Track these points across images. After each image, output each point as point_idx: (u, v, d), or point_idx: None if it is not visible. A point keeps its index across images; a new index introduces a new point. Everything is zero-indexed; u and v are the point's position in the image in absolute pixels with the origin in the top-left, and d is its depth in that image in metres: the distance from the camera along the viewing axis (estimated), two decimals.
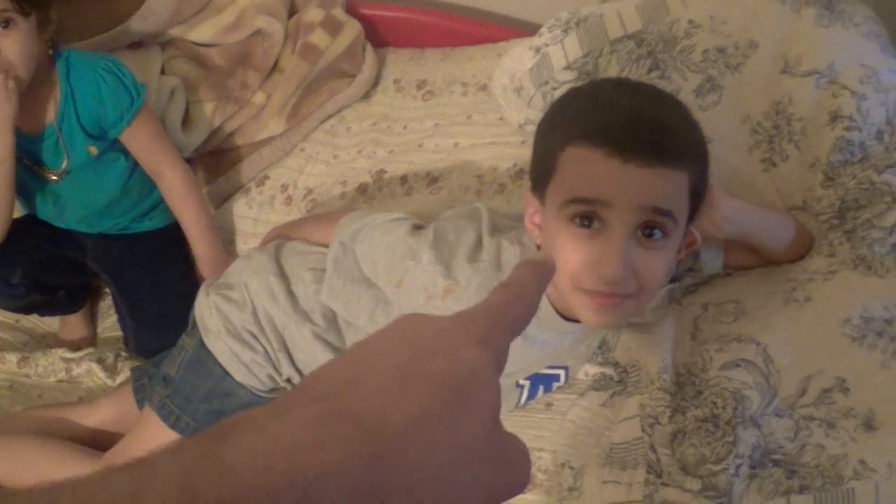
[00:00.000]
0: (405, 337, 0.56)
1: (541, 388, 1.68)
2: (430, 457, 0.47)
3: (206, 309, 1.81)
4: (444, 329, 0.56)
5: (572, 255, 1.34)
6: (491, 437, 0.51)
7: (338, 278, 1.72)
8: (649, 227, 1.31)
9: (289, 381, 1.79)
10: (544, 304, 1.49)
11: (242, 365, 1.75)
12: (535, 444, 1.58)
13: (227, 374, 1.77)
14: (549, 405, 1.65)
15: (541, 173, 1.42)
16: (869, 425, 1.29)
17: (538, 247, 1.49)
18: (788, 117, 1.71)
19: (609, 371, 1.61)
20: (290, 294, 1.77)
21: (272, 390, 1.79)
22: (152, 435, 1.80)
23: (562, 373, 1.67)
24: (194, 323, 1.84)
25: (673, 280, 1.68)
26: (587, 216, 1.32)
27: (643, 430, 1.42)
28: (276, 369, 1.77)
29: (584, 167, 1.31)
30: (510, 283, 0.65)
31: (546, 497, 1.50)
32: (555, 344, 1.57)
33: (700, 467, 1.32)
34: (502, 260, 1.54)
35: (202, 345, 1.79)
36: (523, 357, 1.56)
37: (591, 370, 1.66)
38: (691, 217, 1.41)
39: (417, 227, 1.67)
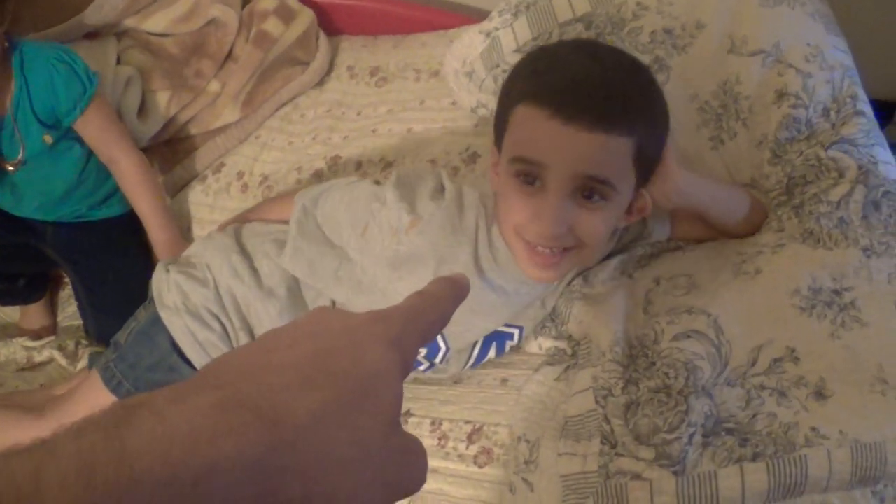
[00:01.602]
0: (314, 331, 0.57)
1: (493, 345, 1.70)
2: (326, 452, 0.48)
3: (165, 284, 1.81)
4: (354, 326, 0.57)
5: (514, 209, 1.43)
6: (389, 436, 0.52)
7: (302, 239, 1.74)
8: (588, 189, 1.37)
9: None
10: (502, 248, 1.56)
11: (197, 343, 1.75)
12: (492, 419, 1.60)
13: (175, 350, 1.76)
14: (504, 381, 1.66)
15: (498, 128, 1.49)
16: (820, 394, 1.32)
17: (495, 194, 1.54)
18: (736, 96, 1.74)
19: (562, 345, 1.64)
20: (254, 271, 1.78)
21: None
22: (93, 396, 1.80)
23: (516, 332, 1.70)
24: (151, 297, 1.84)
25: (622, 250, 1.73)
26: (530, 174, 1.38)
27: (597, 401, 1.43)
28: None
29: (529, 127, 1.37)
30: (426, 291, 0.67)
31: (503, 470, 1.51)
32: (510, 293, 1.61)
33: (653, 436, 1.33)
34: (464, 201, 1.61)
35: (156, 318, 1.79)
36: (480, 301, 1.59)
37: (544, 343, 1.68)
38: (643, 181, 1.46)
39: (377, 183, 1.74)
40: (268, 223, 1.90)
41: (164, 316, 1.78)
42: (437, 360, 1.68)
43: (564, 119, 1.31)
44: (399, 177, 1.67)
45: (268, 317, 1.74)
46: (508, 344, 1.72)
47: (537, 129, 1.35)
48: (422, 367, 1.71)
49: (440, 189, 1.66)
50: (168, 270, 1.83)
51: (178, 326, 1.76)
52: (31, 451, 0.44)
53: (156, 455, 0.43)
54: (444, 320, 0.66)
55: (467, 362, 1.71)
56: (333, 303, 1.73)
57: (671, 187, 1.50)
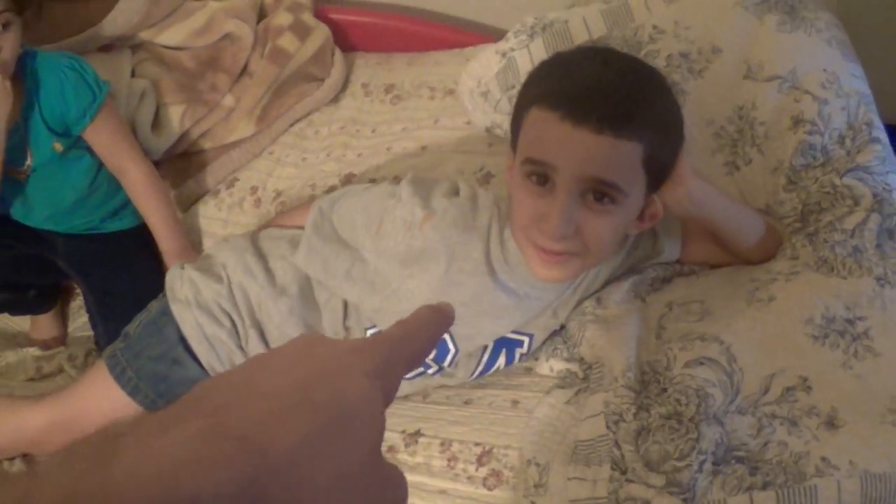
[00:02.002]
0: (300, 358, 0.57)
1: (503, 352, 1.71)
2: (309, 483, 0.48)
3: (178, 279, 1.83)
4: (338, 354, 0.57)
5: (524, 208, 1.47)
6: (370, 466, 0.52)
7: (316, 237, 1.76)
8: (598, 193, 1.39)
9: None
10: (513, 249, 1.58)
11: (204, 338, 1.76)
12: (502, 441, 1.59)
13: (182, 343, 1.77)
14: (515, 403, 1.65)
15: (513, 130, 1.52)
16: (831, 423, 1.31)
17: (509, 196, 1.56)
18: (751, 121, 1.74)
19: (574, 367, 1.63)
20: (268, 271, 1.79)
21: None
22: (97, 384, 1.81)
23: (526, 339, 1.71)
24: (164, 292, 1.85)
25: (635, 270, 1.73)
26: (541, 175, 1.40)
27: (608, 427, 1.43)
28: (240, 348, 1.76)
29: (540, 129, 1.40)
30: (410, 319, 0.67)
31: (512, 493, 1.51)
32: (521, 295, 1.62)
33: (664, 463, 1.33)
34: (478, 201, 1.65)
35: (166, 310, 1.80)
36: (490, 303, 1.61)
37: (556, 366, 1.67)
38: (654, 188, 1.48)
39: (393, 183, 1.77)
40: (284, 228, 1.92)
41: (175, 309, 1.79)
42: (446, 363, 1.68)
43: (574, 121, 1.34)
44: (415, 176, 1.71)
45: (278, 314, 1.75)
46: (518, 352, 1.72)
47: (548, 130, 1.38)
48: (430, 371, 1.71)
49: (455, 188, 1.70)
50: (183, 267, 1.85)
51: (188, 320, 1.77)
52: (18, 479, 0.44)
53: (140, 486, 0.43)
54: (428, 349, 0.67)
55: (476, 368, 1.72)
56: (345, 303, 1.73)
57: (683, 193, 1.51)
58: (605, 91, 1.37)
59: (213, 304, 1.77)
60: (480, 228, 1.61)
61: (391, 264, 1.64)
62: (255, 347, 1.75)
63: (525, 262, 1.54)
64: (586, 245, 1.45)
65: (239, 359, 1.76)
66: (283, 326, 1.74)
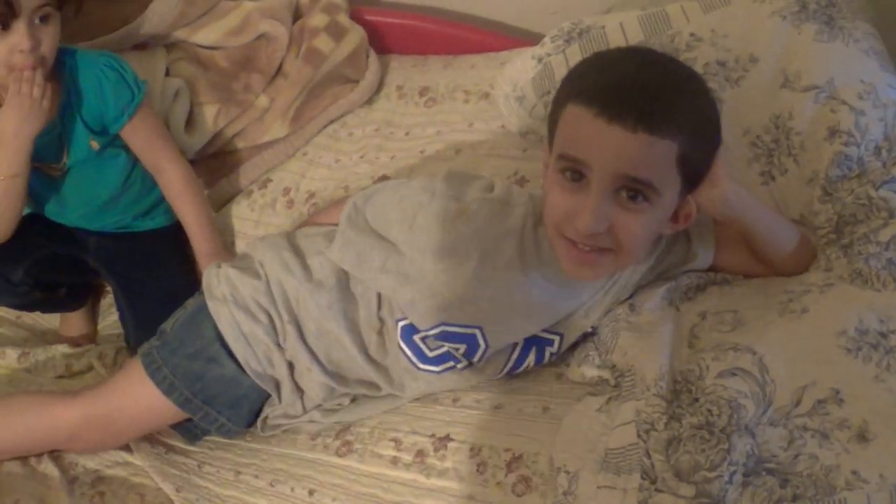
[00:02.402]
0: None
1: (533, 351, 1.72)
2: None
3: (215, 277, 1.83)
4: None
5: (557, 204, 1.48)
6: None
7: (351, 230, 1.77)
8: (633, 191, 1.40)
9: (290, 365, 1.78)
10: (546, 246, 1.59)
11: (241, 335, 1.76)
12: (532, 447, 1.58)
13: (219, 340, 1.77)
14: (545, 409, 1.65)
15: (550, 126, 1.52)
16: (862, 437, 1.30)
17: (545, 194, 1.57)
18: (788, 131, 1.73)
19: (606, 374, 1.62)
20: (305, 267, 1.79)
21: (263, 376, 1.78)
22: (132, 382, 1.81)
23: (556, 339, 1.71)
24: (201, 290, 1.86)
25: (668, 276, 1.73)
26: (575, 171, 1.41)
27: (639, 435, 1.42)
28: (278, 346, 1.77)
29: (575, 126, 1.41)
30: None
31: (541, 500, 1.50)
32: (553, 293, 1.64)
33: (694, 474, 1.32)
34: (513, 198, 1.66)
35: (203, 307, 1.81)
36: (522, 300, 1.64)
37: (587, 372, 1.66)
38: (689, 189, 1.48)
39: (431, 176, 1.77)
40: (319, 226, 1.92)
41: (212, 306, 1.79)
42: (476, 358, 1.69)
43: (608, 118, 1.35)
44: (451, 171, 1.73)
45: (317, 309, 1.75)
46: (548, 351, 1.72)
47: (582, 127, 1.39)
48: (460, 365, 1.71)
49: (490, 186, 1.71)
50: (220, 266, 1.86)
51: (225, 316, 1.77)
52: None
53: None
54: None
55: (505, 365, 1.72)
56: (379, 295, 1.74)
57: (718, 194, 1.52)
58: (640, 88, 1.37)
59: (251, 301, 1.77)
60: (514, 224, 1.62)
61: (425, 258, 1.64)
62: (292, 344, 1.76)
63: (557, 259, 1.54)
64: (619, 243, 1.45)
65: (276, 356, 1.77)
66: (321, 321, 1.74)
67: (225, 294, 1.79)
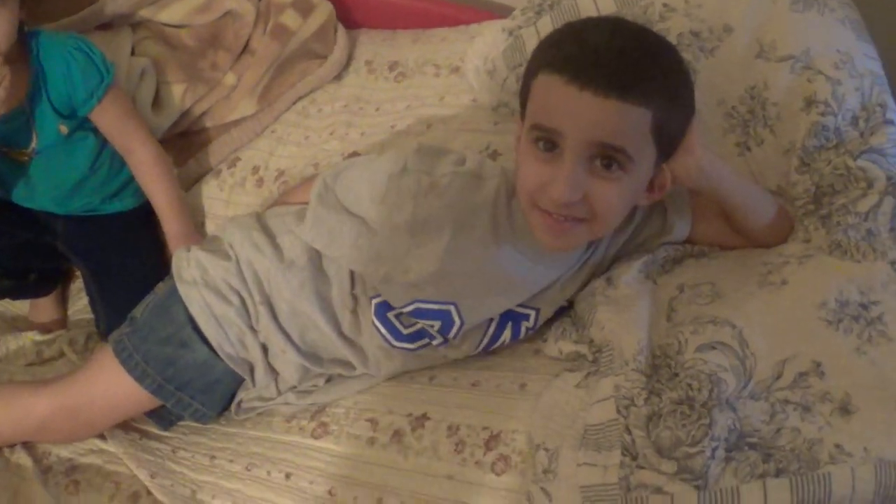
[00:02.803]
0: None
1: (509, 326, 1.71)
2: None
3: (185, 260, 1.81)
4: None
5: (531, 174, 1.46)
6: None
7: (322, 207, 1.74)
8: (607, 159, 1.38)
9: (264, 348, 1.76)
10: (521, 219, 1.58)
11: (213, 317, 1.74)
12: (510, 425, 1.57)
13: (191, 323, 1.75)
14: (523, 385, 1.64)
15: (521, 97, 1.51)
16: (845, 409, 1.30)
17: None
18: (763, 102, 1.72)
19: (583, 350, 1.61)
20: (276, 247, 1.77)
21: (237, 359, 1.76)
22: (104, 370, 1.79)
23: (532, 314, 1.71)
24: (171, 274, 1.83)
25: (645, 248, 1.73)
26: (548, 141, 1.40)
27: (618, 411, 1.41)
28: (250, 328, 1.75)
29: (546, 94, 1.40)
30: None
31: (521, 479, 1.49)
32: (527, 266, 1.63)
33: (676, 450, 1.32)
34: (485, 170, 1.65)
35: (173, 291, 1.78)
36: (495, 274, 1.63)
37: (564, 348, 1.65)
38: (664, 158, 1.47)
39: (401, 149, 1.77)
40: (289, 205, 1.90)
41: (182, 289, 1.77)
42: (451, 334, 1.67)
43: (580, 85, 1.33)
44: (420, 145, 1.71)
45: (289, 289, 1.73)
46: (524, 325, 1.72)
47: (554, 96, 1.37)
48: (435, 342, 1.70)
49: (462, 160, 1.69)
50: (189, 249, 1.84)
51: (196, 299, 1.75)
52: None
53: None
54: None
55: (482, 340, 1.71)
56: (352, 273, 1.73)
57: (692, 162, 1.51)
58: (612, 55, 1.36)
59: (222, 282, 1.75)
60: (487, 197, 1.61)
61: (398, 234, 1.63)
62: (266, 325, 1.74)
63: (532, 231, 1.53)
64: (594, 212, 1.44)
65: (249, 339, 1.75)
66: (293, 301, 1.73)
67: (195, 277, 1.77)
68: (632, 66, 1.35)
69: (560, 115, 1.37)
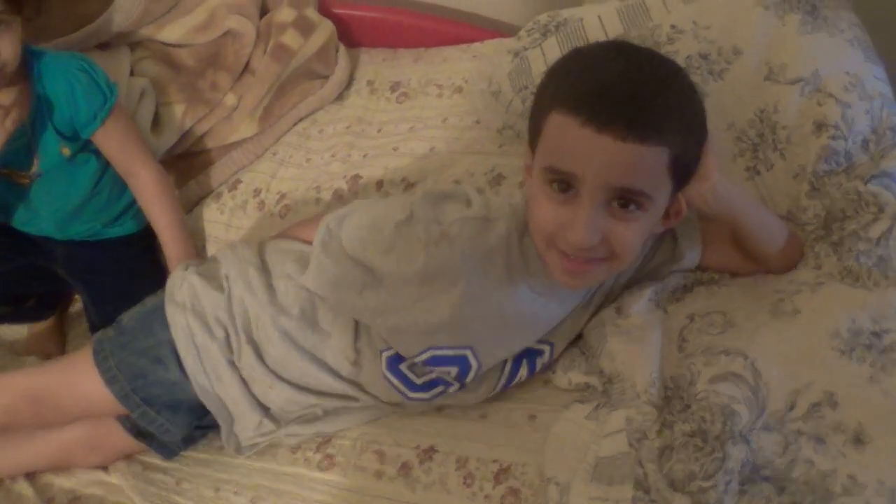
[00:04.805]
0: None
1: (524, 363, 1.68)
2: None
3: (179, 280, 1.81)
4: None
5: (547, 217, 1.42)
6: None
7: (325, 256, 1.71)
8: (624, 199, 1.35)
9: (244, 382, 1.75)
10: (534, 256, 1.55)
11: (193, 346, 1.74)
12: (520, 458, 1.56)
13: (170, 343, 1.75)
14: (532, 417, 1.64)
15: (532, 131, 1.47)
16: (858, 440, 1.28)
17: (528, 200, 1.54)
18: (773, 125, 1.71)
19: (593, 381, 1.60)
20: (270, 288, 1.75)
21: (208, 391, 1.75)
22: (78, 364, 1.81)
23: (547, 349, 1.68)
24: (163, 288, 1.84)
25: (654, 276, 1.71)
26: (564, 182, 1.36)
27: (630, 444, 1.40)
28: (230, 363, 1.74)
29: (561, 136, 1.35)
30: None
31: None
32: (542, 304, 1.61)
33: (689, 483, 1.30)
34: (492, 212, 1.61)
35: (160, 307, 1.78)
36: (512, 315, 1.61)
37: (574, 378, 1.64)
38: (680, 187, 1.44)
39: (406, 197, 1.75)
40: (294, 241, 1.87)
41: (169, 310, 1.77)
42: (468, 379, 1.65)
43: (597, 127, 1.29)
44: (425, 192, 1.68)
45: (276, 334, 1.71)
46: (539, 361, 1.69)
47: (570, 138, 1.32)
48: (452, 388, 1.67)
49: (467, 202, 1.66)
50: (186, 268, 1.83)
51: (181, 324, 1.75)
52: None
53: None
54: None
55: (499, 381, 1.69)
56: (356, 324, 1.70)
57: (707, 188, 1.48)
58: (628, 93, 1.32)
59: (210, 314, 1.75)
60: (499, 240, 1.58)
61: (408, 283, 1.61)
62: (250, 363, 1.73)
63: (548, 271, 1.50)
64: (613, 251, 1.41)
65: (227, 374, 1.74)
66: (279, 346, 1.71)
67: (185, 301, 1.76)
68: (648, 104, 1.31)
69: (576, 158, 1.33)
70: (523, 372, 1.68)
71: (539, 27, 1.97)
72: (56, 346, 2.32)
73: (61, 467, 1.87)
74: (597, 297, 1.68)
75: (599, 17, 1.91)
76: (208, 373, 1.74)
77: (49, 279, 2.26)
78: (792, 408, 1.34)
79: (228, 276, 1.78)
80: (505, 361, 1.67)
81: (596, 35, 1.89)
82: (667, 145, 1.32)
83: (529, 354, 1.67)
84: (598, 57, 1.43)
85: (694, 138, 1.41)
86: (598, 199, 1.34)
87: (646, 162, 1.31)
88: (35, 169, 2.00)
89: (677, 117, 1.35)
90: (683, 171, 1.40)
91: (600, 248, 1.40)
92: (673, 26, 1.82)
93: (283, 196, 2.30)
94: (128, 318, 1.83)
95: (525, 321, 1.62)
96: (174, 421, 1.78)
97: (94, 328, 2.20)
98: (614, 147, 1.28)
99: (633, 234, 1.40)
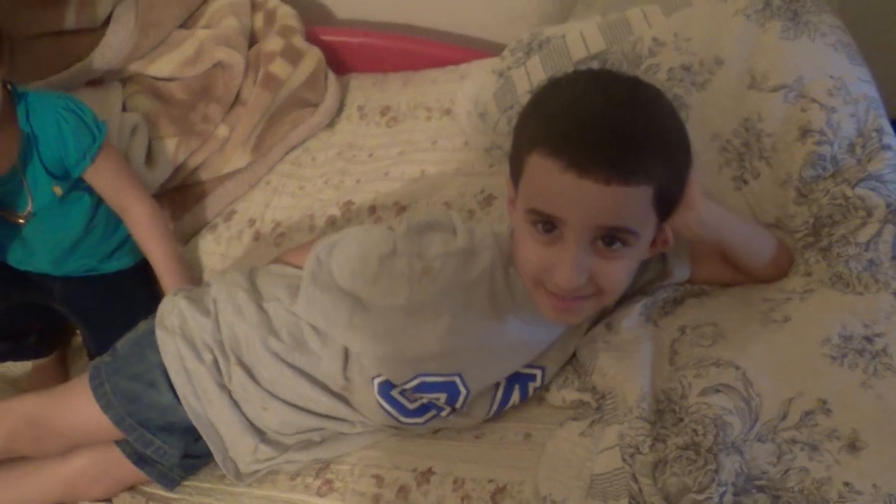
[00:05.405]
0: None
1: (516, 388, 1.68)
2: None
3: (169, 305, 1.82)
4: None
5: (532, 258, 1.41)
6: None
7: (314, 287, 1.71)
8: (609, 238, 1.34)
9: (236, 404, 1.75)
10: (520, 287, 1.55)
11: (183, 370, 1.75)
12: (516, 477, 1.55)
13: (161, 367, 1.76)
14: (527, 436, 1.63)
15: (513, 168, 1.45)
16: (853, 446, 1.28)
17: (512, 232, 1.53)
18: (758, 134, 1.70)
19: (586, 397, 1.60)
20: (260, 310, 1.76)
21: (200, 414, 1.76)
22: (76, 391, 1.83)
23: (538, 373, 1.68)
24: (155, 312, 1.85)
25: (644, 291, 1.70)
26: (548, 223, 1.35)
27: (624, 460, 1.39)
28: (221, 385, 1.75)
29: (543, 179, 1.33)
30: None
31: None
32: (529, 333, 1.61)
33: (683, 496, 1.30)
34: (476, 244, 1.61)
35: (152, 332, 1.80)
36: (499, 344, 1.61)
37: (568, 396, 1.63)
38: (665, 217, 1.42)
39: (389, 229, 1.73)
40: (285, 266, 1.88)
41: (160, 335, 1.78)
42: (458, 404, 1.64)
43: (579, 172, 1.26)
44: (409, 225, 1.68)
45: (267, 355, 1.72)
46: (532, 386, 1.68)
47: (552, 182, 1.30)
48: (444, 413, 1.67)
49: (451, 234, 1.66)
50: (176, 294, 1.85)
51: (170, 349, 1.76)
52: None
53: None
54: None
55: (491, 406, 1.68)
56: (345, 354, 1.69)
57: (693, 216, 1.47)
58: (608, 133, 1.29)
59: (198, 338, 1.76)
60: (482, 273, 1.58)
61: (395, 314, 1.61)
62: (242, 385, 1.73)
63: (535, 304, 1.49)
64: (600, 288, 1.40)
65: (217, 397, 1.74)
66: (272, 367, 1.72)
67: (174, 325, 1.78)
68: (630, 144, 1.28)
69: (560, 202, 1.32)
70: (516, 396, 1.68)
71: (522, 46, 1.97)
72: (58, 382, 2.30)
73: (66, 502, 1.88)
74: (586, 320, 1.67)
75: (581, 33, 1.90)
76: (199, 396, 1.75)
77: (48, 315, 2.26)
78: (785, 416, 1.33)
79: (217, 300, 1.79)
80: (497, 386, 1.66)
81: (578, 52, 1.89)
82: (650, 183, 1.30)
83: (521, 380, 1.67)
84: (576, 92, 1.40)
85: (678, 169, 1.39)
86: (584, 239, 1.33)
87: (630, 202, 1.30)
88: (29, 209, 2.01)
89: (660, 152, 1.33)
90: (668, 203, 1.39)
91: (588, 286, 1.39)
92: (654, 39, 1.82)
93: (277, 225, 2.31)
94: (122, 343, 1.85)
95: (513, 348, 1.62)
96: (170, 442, 1.79)
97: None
98: (598, 191, 1.27)
99: (619, 271, 1.39)
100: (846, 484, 1.23)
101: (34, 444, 1.85)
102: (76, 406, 1.80)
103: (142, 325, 1.86)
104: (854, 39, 1.77)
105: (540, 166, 1.32)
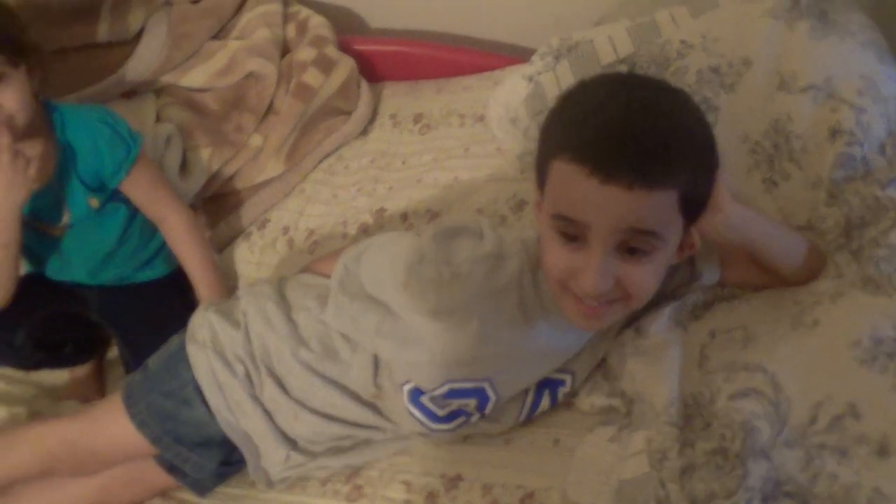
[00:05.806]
0: None
1: (546, 393, 1.67)
2: None
3: (200, 319, 1.83)
4: None
5: (558, 263, 1.40)
6: None
7: (343, 295, 1.72)
8: (635, 242, 1.33)
9: (269, 414, 1.75)
10: (547, 291, 1.53)
11: (216, 383, 1.75)
12: (544, 482, 1.55)
13: (194, 382, 1.77)
14: (556, 441, 1.63)
15: (538, 173, 1.45)
16: (883, 451, 1.25)
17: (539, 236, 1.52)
18: (787, 135, 1.69)
19: (616, 402, 1.59)
20: (290, 321, 1.76)
21: (234, 427, 1.76)
22: (110, 412, 1.83)
23: (568, 378, 1.67)
24: (186, 328, 1.86)
25: (673, 296, 1.68)
26: (573, 228, 1.34)
27: (651, 465, 1.39)
28: (253, 397, 1.75)
29: (567, 184, 1.32)
30: None
31: None
32: (558, 338, 1.59)
33: (710, 502, 1.29)
34: (504, 250, 1.60)
35: (183, 347, 1.80)
36: (528, 350, 1.60)
37: (597, 402, 1.63)
38: (692, 220, 1.41)
39: (417, 236, 1.72)
40: (315, 275, 1.89)
41: (191, 350, 1.79)
42: (487, 410, 1.64)
43: (603, 178, 1.26)
44: (437, 231, 1.66)
45: (297, 367, 1.72)
46: (561, 391, 1.68)
47: (576, 188, 1.30)
48: (473, 419, 1.66)
49: (479, 239, 1.65)
50: (207, 309, 1.85)
51: (202, 363, 1.77)
52: None
53: None
54: None
55: (521, 412, 1.68)
56: (375, 360, 1.69)
57: (721, 219, 1.46)
58: (632, 139, 1.28)
59: (229, 351, 1.76)
60: (511, 278, 1.57)
61: (424, 320, 1.60)
62: (273, 397, 1.74)
63: (563, 311, 1.48)
64: (627, 293, 1.39)
65: (250, 408, 1.74)
66: (302, 377, 1.72)
67: (205, 339, 1.78)
68: (653, 149, 1.27)
69: (584, 208, 1.31)
70: (545, 402, 1.68)
71: (551, 51, 1.97)
72: (95, 391, 2.34)
73: None
74: (616, 324, 1.66)
75: (610, 37, 1.90)
76: (232, 408, 1.75)
77: (84, 325, 2.27)
78: (814, 421, 1.32)
79: (247, 312, 1.79)
80: (526, 392, 1.66)
81: (607, 56, 1.88)
82: (675, 187, 1.29)
83: (551, 385, 1.67)
84: (600, 97, 1.39)
85: (703, 173, 1.38)
86: (609, 244, 1.32)
87: (655, 206, 1.29)
88: (66, 220, 2.03)
89: (685, 156, 1.32)
90: (694, 206, 1.38)
91: (615, 290, 1.38)
92: (682, 41, 1.82)
93: (311, 233, 2.31)
94: (153, 361, 1.86)
95: (542, 354, 1.61)
96: (207, 456, 1.80)
97: (129, 371, 2.20)
98: (622, 196, 1.26)
99: (646, 275, 1.38)
100: (875, 489, 1.22)
101: (75, 467, 1.86)
102: (111, 427, 1.81)
103: (173, 340, 1.87)
104: (885, 38, 1.75)
105: (564, 172, 1.32)
